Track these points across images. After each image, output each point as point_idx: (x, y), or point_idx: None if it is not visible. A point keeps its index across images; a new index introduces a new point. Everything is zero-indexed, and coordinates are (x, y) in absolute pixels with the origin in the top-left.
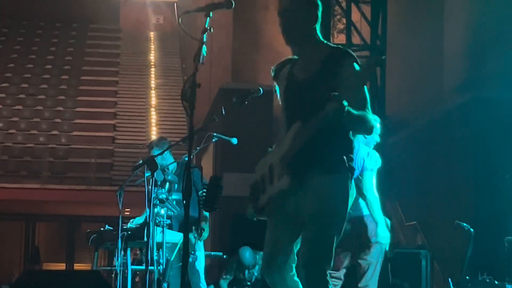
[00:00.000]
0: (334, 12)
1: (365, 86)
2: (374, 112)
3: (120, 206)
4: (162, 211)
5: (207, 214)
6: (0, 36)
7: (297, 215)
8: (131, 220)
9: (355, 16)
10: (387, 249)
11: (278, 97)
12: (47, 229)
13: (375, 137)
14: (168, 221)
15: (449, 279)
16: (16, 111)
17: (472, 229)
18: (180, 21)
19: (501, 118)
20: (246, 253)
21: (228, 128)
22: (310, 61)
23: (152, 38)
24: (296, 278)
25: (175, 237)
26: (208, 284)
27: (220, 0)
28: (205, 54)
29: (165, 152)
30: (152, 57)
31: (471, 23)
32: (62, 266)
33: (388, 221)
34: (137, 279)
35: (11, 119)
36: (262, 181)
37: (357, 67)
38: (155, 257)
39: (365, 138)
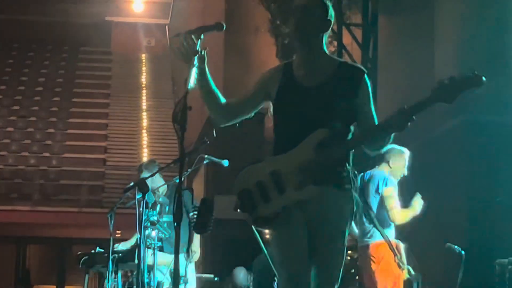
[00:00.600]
0: None
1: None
2: None
3: (111, 228)
4: (153, 233)
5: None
6: None
7: (308, 229)
8: (116, 245)
9: (347, 39)
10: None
11: (257, 93)
12: (38, 251)
13: (403, 170)
14: (159, 243)
15: None
16: (7, 133)
17: (463, 252)
18: (171, 43)
19: (492, 141)
20: (241, 274)
21: (219, 150)
22: (318, 69)
23: (143, 60)
24: None
25: (166, 259)
26: None
27: (211, 22)
28: (196, 77)
29: (156, 174)
30: (143, 79)
31: (461, 46)
32: None
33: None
34: None
35: (1, 141)
36: (260, 190)
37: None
38: (146, 280)
39: (390, 167)
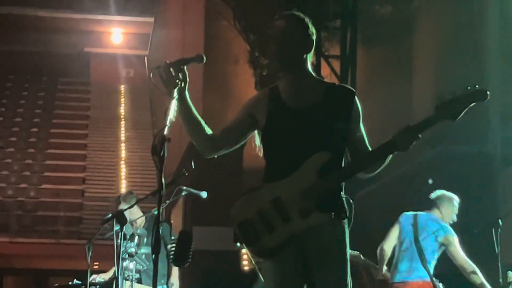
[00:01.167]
0: None
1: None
2: None
3: (89, 259)
4: (131, 265)
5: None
6: None
7: (307, 257)
8: (94, 277)
9: (325, 70)
10: None
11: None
12: (15, 283)
13: (453, 216)
14: (137, 275)
15: None
16: None
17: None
18: (151, 75)
19: (467, 170)
20: None
21: (197, 181)
22: (306, 90)
23: (122, 91)
24: None
25: None
26: None
27: (190, 53)
28: (175, 109)
29: (134, 206)
30: (122, 110)
31: (439, 75)
32: None
33: None
34: None
35: None
36: (262, 219)
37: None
38: None
39: (441, 214)
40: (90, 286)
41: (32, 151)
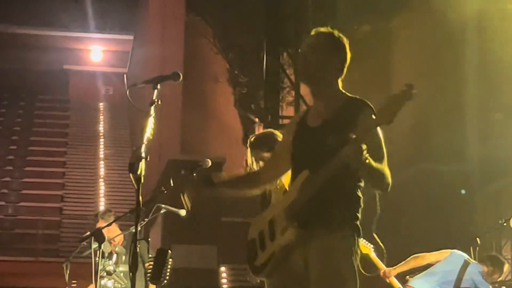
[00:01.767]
0: (283, 84)
1: (382, 141)
2: None
3: (67, 278)
4: (109, 283)
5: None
6: None
7: (303, 273)
8: None
9: (304, 89)
10: None
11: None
12: None
13: (494, 279)
14: None
15: None
16: None
17: None
18: (128, 92)
19: (447, 189)
20: None
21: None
22: (323, 109)
23: (101, 109)
24: None
25: None
26: None
27: (170, 71)
28: (153, 127)
29: (112, 224)
30: (101, 127)
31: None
32: None
33: None
34: None
35: None
36: (260, 238)
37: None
38: None
39: (489, 272)
40: None
41: (10, 169)
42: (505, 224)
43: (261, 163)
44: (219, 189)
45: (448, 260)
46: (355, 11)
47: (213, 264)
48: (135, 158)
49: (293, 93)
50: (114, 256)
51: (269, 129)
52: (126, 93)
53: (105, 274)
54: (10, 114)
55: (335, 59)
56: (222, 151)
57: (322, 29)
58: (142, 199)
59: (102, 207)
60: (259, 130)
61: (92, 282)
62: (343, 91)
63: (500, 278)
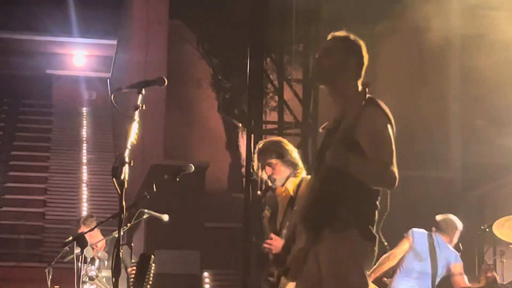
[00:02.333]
0: (267, 90)
1: (388, 138)
2: None
3: (49, 283)
4: None
5: None
6: None
7: (317, 274)
8: None
9: (287, 94)
10: None
11: None
12: None
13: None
14: None
15: None
16: None
17: None
18: (112, 97)
19: (430, 196)
20: None
21: (159, 204)
22: (336, 111)
23: (84, 114)
24: None
25: None
26: None
27: (153, 76)
28: (136, 131)
29: (94, 229)
30: (84, 132)
31: (402, 102)
32: None
33: None
34: None
35: None
36: (287, 243)
37: (380, 117)
38: None
39: (449, 239)
40: None
41: None
42: (487, 230)
43: (268, 169)
44: None
45: (415, 248)
46: (339, 18)
47: (196, 269)
48: (119, 163)
49: (276, 98)
50: (97, 261)
51: (278, 137)
52: (110, 97)
53: (87, 279)
54: None
55: (350, 61)
56: (206, 156)
57: (338, 33)
58: (125, 204)
59: (85, 212)
60: (243, 135)
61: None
62: (363, 92)
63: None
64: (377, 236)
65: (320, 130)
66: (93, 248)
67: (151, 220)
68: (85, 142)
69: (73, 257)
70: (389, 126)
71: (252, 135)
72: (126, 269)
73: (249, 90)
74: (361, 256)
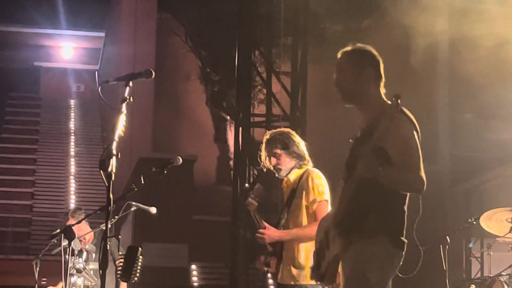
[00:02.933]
0: (255, 83)
1: (415, 144)
2: None
3: (36, 275)
4: (79, 281)
5: None
6: None
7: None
8: None
9: (275, 87)
10: None
11: None
12: None
13: None
14: None
15: None
16: None
17: None
18: (100, 89)
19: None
20: None
21: (147, 197)
22: (362, 120)
23: (72, 106)
24: None
25: None
26: None
27: (141, 68)
28: (124, 124)
29: (82, 221)
30: (72, 125)
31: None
32: None
33: None
34: None
35: None
36: (320, 248)
37: (407, 124)
38: None
39: None
40: None
41: None
42: (474, 222)
43: (273, 159)
44: None
45: None
46: (327, 11)
47: (184, 262)
48: (106, 155)
49: (265, 91)
50: (84, 253)
51: (287, 129)
52: (98, 90)
53: (75, 271)
54: None
55: (366, 71)
56: (194, 149)
57: (345, 49)
58: (113, 196)
59: (72, 204)
60: (231, 128)
61: (62, 280)
62: (395, 104)
63: None
64: (406, 241)
65: (350, 141)
66: (81, 241)
67: (139, 213)
68: (73, 134)
69: (61, 250)
70: (415, 132)
71: (240, 128)
72: (114, 261)
73: (238, 83)
74: (388, 262)
